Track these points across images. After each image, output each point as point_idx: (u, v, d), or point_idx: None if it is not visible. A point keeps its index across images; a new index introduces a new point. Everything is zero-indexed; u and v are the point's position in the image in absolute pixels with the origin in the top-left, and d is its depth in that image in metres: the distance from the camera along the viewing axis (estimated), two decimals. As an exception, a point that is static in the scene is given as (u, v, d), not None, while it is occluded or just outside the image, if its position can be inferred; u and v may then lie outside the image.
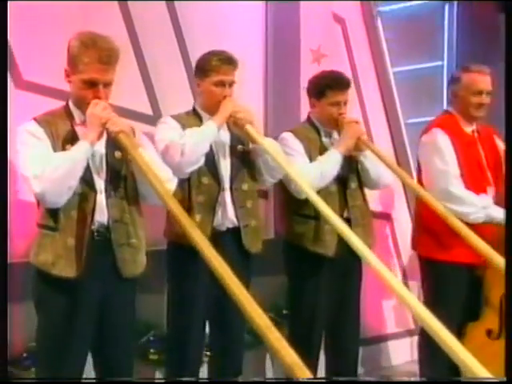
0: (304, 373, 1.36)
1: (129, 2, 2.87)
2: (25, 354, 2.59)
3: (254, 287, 3.16)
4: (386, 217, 3.83)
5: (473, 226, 2.77)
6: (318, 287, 2.81)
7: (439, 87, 4.01)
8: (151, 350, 2.91)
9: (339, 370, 3.10)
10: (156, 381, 1.94)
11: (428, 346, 2.98)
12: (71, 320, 2.12)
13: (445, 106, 3.82)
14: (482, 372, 1.53)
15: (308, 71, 3.25)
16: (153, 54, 2.94)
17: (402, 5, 3.87)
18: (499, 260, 2.28)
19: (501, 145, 2.95)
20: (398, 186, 3.65)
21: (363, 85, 3.61)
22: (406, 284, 3.78)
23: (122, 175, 2.18)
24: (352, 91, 3.11)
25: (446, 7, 3.97)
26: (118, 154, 2.17)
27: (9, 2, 2.17)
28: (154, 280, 2.69)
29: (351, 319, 2.98)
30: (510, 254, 2.09)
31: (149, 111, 2.98)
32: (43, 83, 2.78)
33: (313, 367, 3.01)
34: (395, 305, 3.78)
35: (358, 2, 3.56)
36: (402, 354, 3.90)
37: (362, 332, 3.38)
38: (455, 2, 4.00)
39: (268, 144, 2.47)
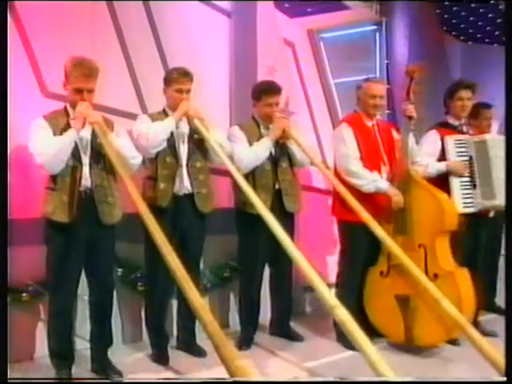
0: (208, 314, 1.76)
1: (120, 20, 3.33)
2: (30, 282, 2.97)
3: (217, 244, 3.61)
4: (327, 192, 4.18)
5: (370, 195, 3.20)
6: (257, 239, 3.22)
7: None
8: (139, 283, 3.30)
9: (279, 307, 3.51)
10: (156, 381, 1.94)
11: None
12: (67, 251, 2.66)
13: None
14: (385, 368, 1.85)
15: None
16: (141, 66, 3.39)
17: (341, 32, 4.25)
18: (371, 222, 2.68)
19: (395, 135, 3.32)
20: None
21: (310, 92, 4.00)
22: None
23: (102, 154, 2.67)
24: (301, 97, 3.52)
25: (377, 34, 4.34)
26: (99, 139, 2.67)
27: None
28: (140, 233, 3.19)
29: (285, 271, 3.37)
30: (509, 253, 2.31)
31: (138, 111, 3.43)
32: (62, 93, 3.33)
33: (257, 304, 3.41)
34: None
35: (305, 29, 3.96)
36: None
37: (296, 281, 3.73)
38: (384, 30, 4.36)
39: (210, 135, 2.91)
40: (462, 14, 7.36)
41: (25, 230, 2.92)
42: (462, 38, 7.75)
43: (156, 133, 2.87)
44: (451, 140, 3.37)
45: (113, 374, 2.76)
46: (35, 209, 2.85)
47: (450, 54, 6.41)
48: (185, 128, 3.02)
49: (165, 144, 2.93)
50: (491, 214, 3.42)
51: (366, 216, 2.74)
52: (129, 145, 2.75)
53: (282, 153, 3.24)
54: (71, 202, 2.61)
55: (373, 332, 3.35)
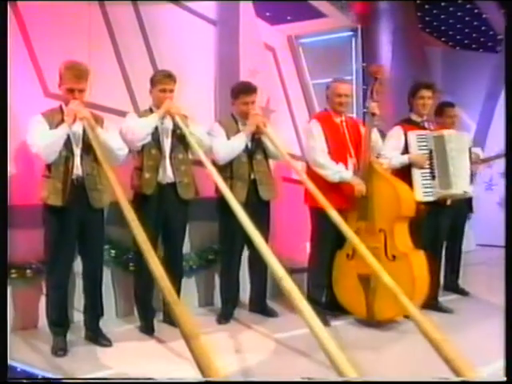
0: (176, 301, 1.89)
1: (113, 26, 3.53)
2: (33, 261, 3.21)
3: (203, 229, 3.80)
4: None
5: (337, 184, 3.35)
6: (235, 224, 3.33)
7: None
8: (130, 264, 3.49)
9: (257, 286, 3.66)
10: (156, 381, 1.97)
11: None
12: (61, 231, 2.87)
13: (354, 109, 4.35)
14: (325, 337, 1.87)
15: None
16: (133, 68, 3.60)
17: (318, 38, 4.42)
18: (327, 206, 2.81)
19: (362, 130, 3.46)
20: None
21: (290, 92, 4.18)
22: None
23: (92, 146, 2.86)
24: (281, 97, 3.68)
25: (353, 39, 4.51)
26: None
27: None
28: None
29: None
30: (509, 252, 2.31)
31: (131, 110, 3.63)
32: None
33: (235, 283, 3.60)
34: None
35: (285, 35, 4.14)
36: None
37: (290, 264, 3.91)
38: (359, 36, 4.51)
39: (189, 130, 3.10)
40: (442, 16, 7.50)
41: (28, 214, 3.15)
42: (442, 39, 7.88)
43: (141, 128, 3.08)
44: (413, 135, 3.53)
45: (103, 341, 2.97)
46: (36, 195, 3.11)
47: (431, 59, 6.55)
48: (169, 124, 3.21)
49: (149, 138, 3.13)
50: (448, 202, 3.56)
51: (325, 203, 2.85)
52: (116, 138, 2.95)
53: (257, 146, 3.43)
54: (64, 188, 2.82)
55: (341, 310, 3.56)
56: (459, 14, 8.43)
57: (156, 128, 3.15)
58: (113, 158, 2.89)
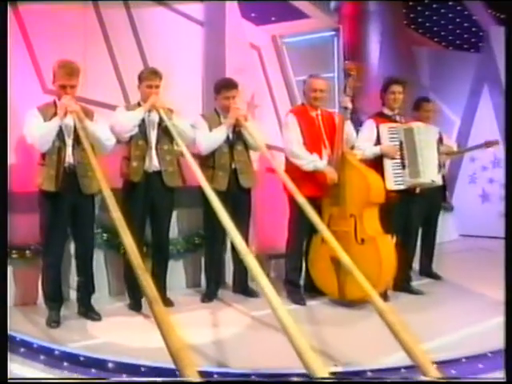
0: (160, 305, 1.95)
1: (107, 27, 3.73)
2: (32, 243, 3.37)
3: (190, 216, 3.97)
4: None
5: (311, 173, 3.51)
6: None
7: (332, 91, 4.65)
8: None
9: (239, 268, 3.77)
10: (155, 380, 1.99)
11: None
12: (54, 215, 3.08)
13: (336, 104, 4.50)
14: (283, 310, 2.04)
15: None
16: (125, 66, 3.78)
17: (302, 37, 4.59)
18: (296, 193, 2.92)
19: (336, 121, 3.59)
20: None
21: (274, 88, 4.34)
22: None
23: (86, 137, 3.06)
24: (266, 93, 3.84)
25: (335, 38, 4.66)
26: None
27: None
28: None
29: (242, 233, 3.66)
30: (509, 251, 2.29)
31: (123, 104, 3.81)
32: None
33: (218, 265, 3.78)
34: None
35: (270, 35, 4.30)
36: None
37: (272, 249, 4.07)
38: (341, 35, 4.67)
39: (172, 122, 3.27)
40: (426, 13, 7.64)
41: (27, 201, 3.35)
42: (428, 35, 8.01)
43: (128, 120, 3.27)
44: (385, 128, 3.68)
45: (93, 315, 3.17)
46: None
47: (418, 58, 6.70)
48: (155, 117, 3.38)
49: (136, 130, 3.31)
50: (417, 191, 3.71)
51: (294, 190, 2.94)
52: (104, 129, 3.13)
53: (238, 138, 3.59)
54: (57, 175, 3.02)
55: (318, 291, 3.72)
56: (450, 15, 8.57)
57: (143, 121, 3.33)
58: (101, 148, 3.10)
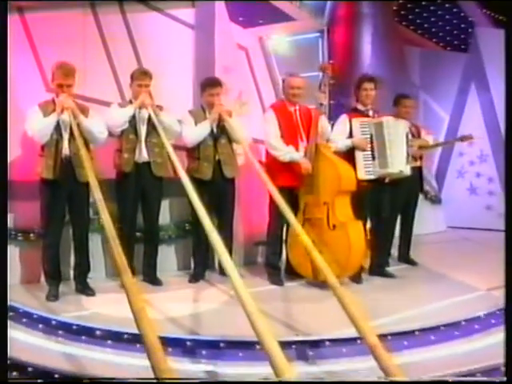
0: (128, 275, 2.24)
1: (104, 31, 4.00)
2: (36, 227, 3.63)
3: (181, 204, 4.23)
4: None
5: (288, 163, 3.73)
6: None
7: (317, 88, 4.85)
8: None
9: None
10: (154, 381, 1.93)
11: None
12: (52, 200, 3.38)
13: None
14: (241, 287, 2.18)
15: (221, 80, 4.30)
16: (121, 67, 4.04)
17: (288, 39, 4.80)
18: (268, 183, 3.11)
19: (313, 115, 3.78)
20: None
21: (261, 86, 4.57)
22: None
23: (80, 131, 3.35)
24: (253, 90, 4.06)
25: (320, 39, 4.87)
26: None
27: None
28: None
29: (225, 224, 3.93)
30: (509, 251, 2.32)
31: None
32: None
33: (204, 249, 4.00)
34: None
35: (257, 37, 4.53)
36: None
37: (259, 237, 4.29)
38: (325, 36, 4.88)
39: (159, 118, 3.53)
40: (416, 10, 7.78)
41: (31, 189, 3.64)
42: (419, 31, 8.15)
43: (119, 116, 3.55)
44: (357, 122, 3.88)
45: (88, 291, 3.46)
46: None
47: (410, 58, 6.86)
48: (145, 113, 3.64)
49: (127, 124, 3.59)
50: (387, 180, 3.91)
51: (267, 181, 3.12)
52: (97, 124, 3.42)
53: (222, 132, 3.83)
54: (55, 165, 3.32)
55: (296, 273, 3.95)
56: (447, 16, 8.69)
57: (134, 116, 3.61)
58: (94, 141, 3.40)
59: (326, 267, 2.73)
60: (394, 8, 8.74)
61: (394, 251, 4.70)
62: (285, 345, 2.72)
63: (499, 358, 2.79)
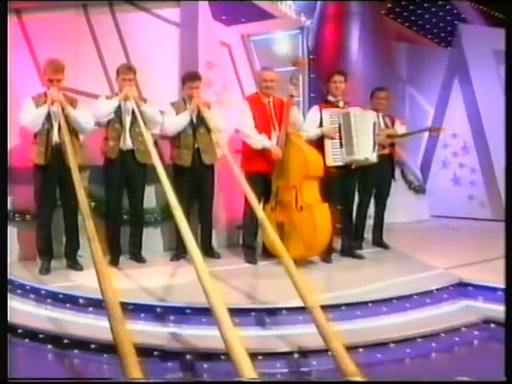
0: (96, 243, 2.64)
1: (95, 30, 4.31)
2: (31, 208, 3.91)
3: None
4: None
5: (261, 150, 3.98)
6: (184, 182, 4.09)
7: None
8: None
9: (203, 230, 4.31)
10: (154, 381, 2.05)
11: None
12: (44, 184, 3.70)
13: (301, 93, 4.96)
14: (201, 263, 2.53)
15: (205, 74, 4.56)
16: (111, 63, 4.29)
17: (269, 36, 5.05)
18: (238, 174, 3.36)
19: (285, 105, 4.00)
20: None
21: (243, 80, 4.82)
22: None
23: (66, 121, 3.65)
24: (235, 84, 4.31)
25: (300, 36, 5.10)
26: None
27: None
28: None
29: (205, 208, 4.23)
30: (509, 251, 2.32)
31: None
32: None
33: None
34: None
35: (240, 34, 4.78)
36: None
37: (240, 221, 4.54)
38: (305, 33, 5.11)
39: (142, 109, 3.81)
40: (411, 7, 7.97)
41: (28, 174, 3.96)
42: (406, 24, 8.31)
43: (105, 107, 3.84)
44: (326, 112, 4.11)
45: (76, 266, 3.77)
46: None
47: (397, 54, 7.04)
48: (130, 105, 3.90)
49: (113, 115, 3.87)
50: (353, 167, 4.14)
51: (233, 165, 3.38)
52: (84, 115, 3.71)
53: (201, 122, 4.07)
54: (46, 152, 3.63)
55: (270, 253, 4.20)
56: (441, 13, 8.83)
57: (119, 107, 3.89)
58: (81, 130, 3.71)
59: (278, 242, 2.97)
60: (389, 5, 8.96)
61: (369, 236, 4.93)
62: (244, 312, 3.05)
63: (439, 324, 3.06)
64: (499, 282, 3.32)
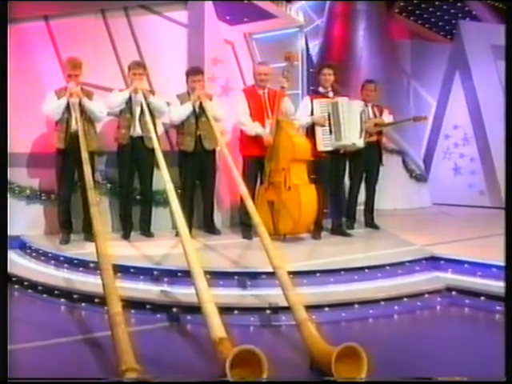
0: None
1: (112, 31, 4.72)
2: (55, 188, 4.38)
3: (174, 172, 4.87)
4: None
5: (254, 136, 4.28)
6: (187, 165, 4.43)
7: (296, 78, 5.39)
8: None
9: (205, 209, 4.65)
10: (154, 381, 2.02)
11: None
12: (64, 165, 4.13)
13: (300, 87, 5.22)
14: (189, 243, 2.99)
15: (210, 69, 4.91)
16: (126, 61, 4.66)
17: (269, 34, 5.32)
18: (231, 164, 3.62)
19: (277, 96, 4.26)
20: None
21: (245, 74, 5.11)
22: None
23: (83, 111, 4.07)
24: (238, 78, 4.61)
25: (299, 34, 5.33)
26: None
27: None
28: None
29: (207, 189, 4.56)
30: (509, 250, 2.34)
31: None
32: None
33: (189, 208, 4.51)
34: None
35: (242, 33, 5.07)
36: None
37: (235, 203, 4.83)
38: (304, 31, 5.34)
39: (149, 101, 4.19)
40: (422, 5, 8.04)
41: (52, 159, 4.35)
42: (411, 18, 8.36)
43: (116, 99, 4.23)
44: (317, 102, 4.36)
45: (92, 238, 4.14)
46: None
47: (402, 50, 7.17)
48: (139, 97, 4.27)
49: (124, 105, 4.25)
50: (342, 151, 4.38)
51: (225, 151, 3.71)
52: (98, 105, 4.12)
53: (203, 112, 4.37)
54: (66, 137, 4.06)
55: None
56: (452, 10, 8.84)
57: (130, 99, 4.28)
58: (96, 118, 4.13)
59: (253, 211, 3.30)
60: (401, 4, 9.04)
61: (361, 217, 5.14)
62: (228, 274, 3.37)
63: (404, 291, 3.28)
64: (475, 257, 3.54)
